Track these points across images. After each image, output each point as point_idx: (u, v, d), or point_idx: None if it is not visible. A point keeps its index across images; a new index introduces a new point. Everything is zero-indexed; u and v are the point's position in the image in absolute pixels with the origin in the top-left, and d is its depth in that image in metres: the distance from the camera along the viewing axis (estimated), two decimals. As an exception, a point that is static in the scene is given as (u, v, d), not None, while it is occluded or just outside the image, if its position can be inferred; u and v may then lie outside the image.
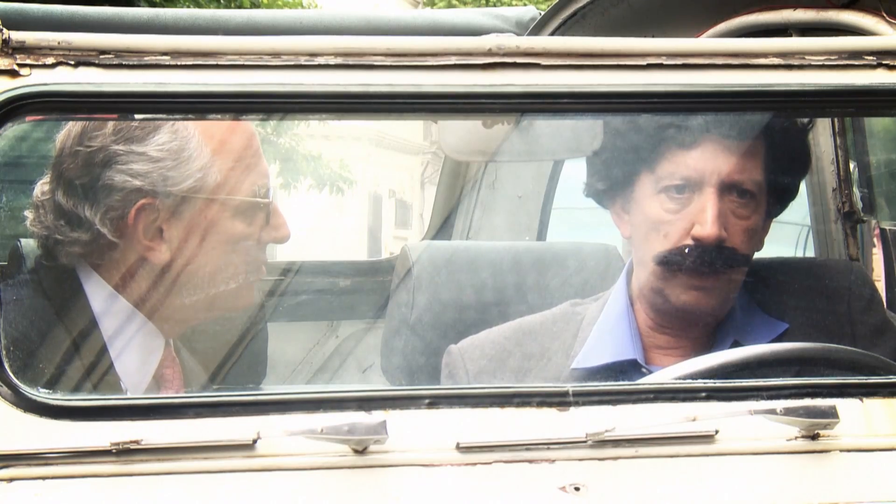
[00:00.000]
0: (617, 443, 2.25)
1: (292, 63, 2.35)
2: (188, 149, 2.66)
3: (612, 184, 2.94)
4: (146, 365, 2.71)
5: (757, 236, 2.88)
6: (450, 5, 26.45)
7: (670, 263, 2.83)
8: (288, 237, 2.80)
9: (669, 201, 2.84)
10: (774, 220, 2.95)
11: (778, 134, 2.88)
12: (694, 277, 2.83)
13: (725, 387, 2.36)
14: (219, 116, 2.61)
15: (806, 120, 3.01)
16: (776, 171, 2.88)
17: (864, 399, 2.33)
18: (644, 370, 2.85)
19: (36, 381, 2.40)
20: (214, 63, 2.34)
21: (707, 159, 2.82)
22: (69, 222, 2.65)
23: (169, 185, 2.65)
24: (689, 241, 2.81)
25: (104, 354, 2.65)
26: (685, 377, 2.48)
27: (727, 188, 2.82)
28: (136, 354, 2.69)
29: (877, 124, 3.71)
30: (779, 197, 2.93)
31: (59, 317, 2.65)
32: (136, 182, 2.63)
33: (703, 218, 2.80)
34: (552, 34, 3.72)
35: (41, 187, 2.71)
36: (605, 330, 2.93)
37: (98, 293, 2.68)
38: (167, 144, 2.64)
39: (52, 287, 2.67)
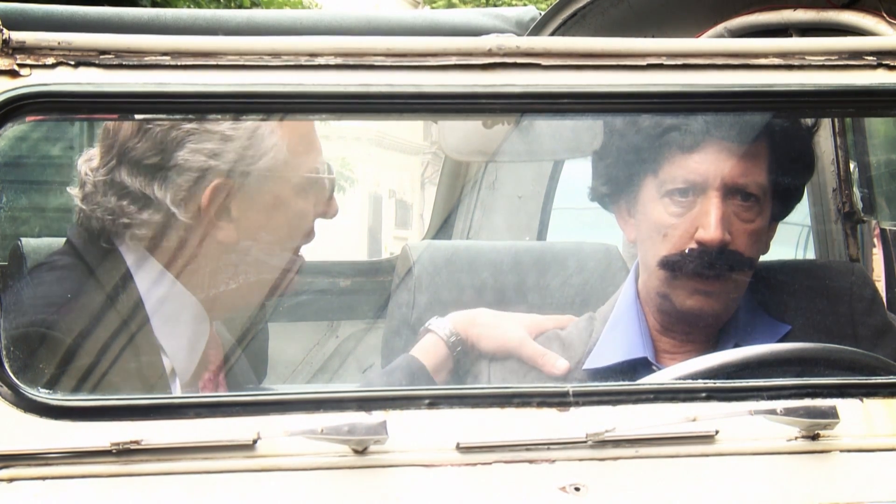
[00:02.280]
0: (617, 443, 2.25)
1: (292, 63, 2.35)
2: (261, 126, 2.63)
3: (616, 188, 2.94)
4: (194, 350, 2.68)
5: (762, 239, 2.87)
6: (450, 5, 26.43)
7: (675, 267, 2.83)
8: (338, 212, 2.78)
9: (673, 205, 2.84)
10: (774, 221, 2.95)
11: (782, 136, 2.88)
12: (698, 281, 2.83)
13: (725, 387, 2.36)
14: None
15: (810, 122, 3.01)
16: (780, 174, 2.88)
17: (865, 399, 2.33)
18: (654, 368, 2.84)
19: (41, 376, 2.40)
20: (214, 63, 2.34)
21: (710, 162, 2.82)
22: (135, 202, 2.61)
23: (245, 164, 2.63)
24: (694, 245, 2.81)
25: (151, 338, 2.61)
26: (685, 377, 2.48)
27: (731, 191, 2.82)
28: (185, 339, 2.67)
29: (877, 125, 3.71)
30: (783, 200, 2.92)
31: (106, 301, 2.59)
32: (212, 162, 2.61)
33: (707, 221, 2.80)
34: (552, 34, 3.72)
35: (87, 164, 2.66)
36: (615, 329, 2.93)
37: (147, 276, 2.63)
38: (241, 122, 2.62)
39: (99, 270, 2.62)
